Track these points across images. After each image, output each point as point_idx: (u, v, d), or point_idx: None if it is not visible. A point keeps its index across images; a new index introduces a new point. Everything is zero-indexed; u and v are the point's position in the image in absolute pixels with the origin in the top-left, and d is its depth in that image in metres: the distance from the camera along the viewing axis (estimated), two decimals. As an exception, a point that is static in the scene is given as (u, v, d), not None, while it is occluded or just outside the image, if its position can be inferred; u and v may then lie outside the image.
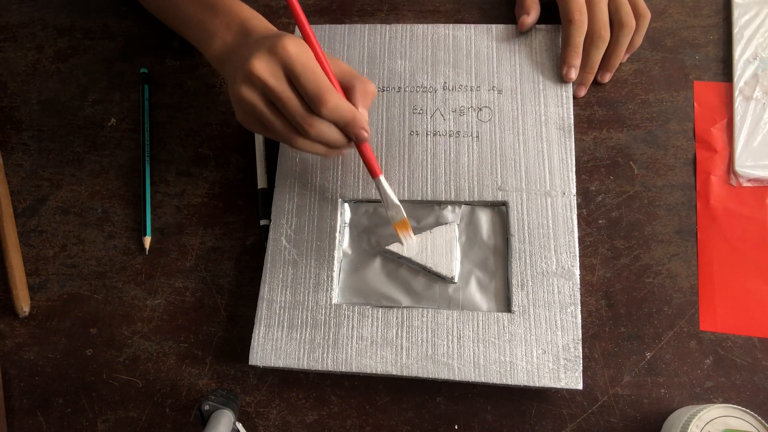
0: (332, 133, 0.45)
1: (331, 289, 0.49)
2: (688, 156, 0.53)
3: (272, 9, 0.61)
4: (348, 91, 0.45)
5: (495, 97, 0.54)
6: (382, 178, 0.48)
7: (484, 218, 0.51)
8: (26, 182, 0.58)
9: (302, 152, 0.53)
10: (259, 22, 0.48)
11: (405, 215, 0.49)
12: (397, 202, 0.48)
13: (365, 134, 0.45)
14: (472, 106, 0.54)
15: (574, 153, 0.51)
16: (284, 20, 0.61)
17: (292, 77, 0.43)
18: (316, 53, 0.44)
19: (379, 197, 0.50)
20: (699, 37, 0.56)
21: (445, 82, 0.55)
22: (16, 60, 0.62)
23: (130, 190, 0.57)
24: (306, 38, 0.44)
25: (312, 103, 0.43)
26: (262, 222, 0.53)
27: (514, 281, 0.48)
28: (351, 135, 0.45)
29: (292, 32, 0.58)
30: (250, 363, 0.48)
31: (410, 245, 0.49)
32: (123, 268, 0.54)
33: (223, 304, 0.52)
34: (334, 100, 0.42)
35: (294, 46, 0.42)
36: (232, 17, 0.49)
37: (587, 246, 0.51)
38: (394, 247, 0.50)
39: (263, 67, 0.42)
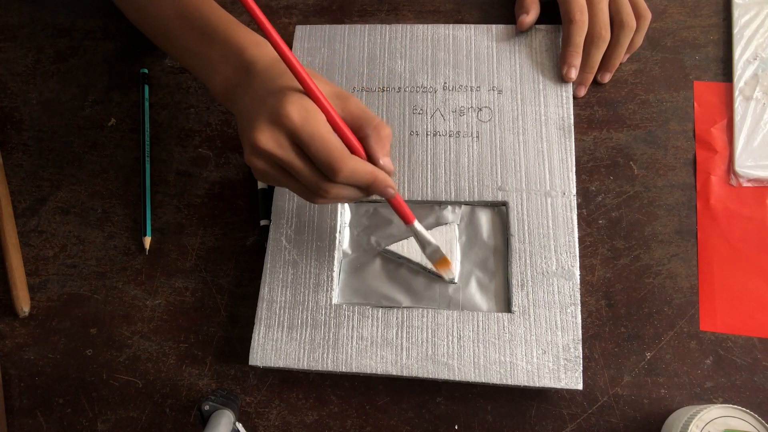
0: (351, 193, 0.42)
1: (331, 289, 0.49)
2: (688, 156, 0.53)
3: (272, 9, 0.61)
4: (362, 140, 0.42)
5: (495, 97, 0.54)
6: (416, 223, 0.46)
7: (484, 218, 0.51)
8: (26, 182, 0.58)
9: None
10: (258, 51, 0.43)
11: (443, 254, 0.47)
12: (434, 242, 0.47)
13: (391, 191, 0.42)
14: (472, 106, 0.54)
15: (574, 153, 0.51)
16: (284, 20, 0.61)
17: (301, 146, 0.39)
18: (322, 107, 0.40)
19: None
20: (699, 37, 0.56)
21: (445, 82, 0.55)
22: (16, 60, 0.62)
23: (130, 190, 0.57)
24: (309, 92, 0.39)
25: (326, 173, 0.40)
26: (262, 222, 0.53)
27: (514, 281, 0.48)
28: (376, 194, 0.43)
29: (292, 32, 0.58)
30: (250, 363, 0.48)
31: (454, 277, 0.49)
32: (123, 268, 0.54)
33: (223, 304, 0.52)
34: (349, 167, 0.39)
35: (297, 113, 0.38)
36: (229, 47, 0.44)
37: (587, 246, 0.51)
38: (394, 247, 0.50)
39: (267, 139, 0.39)
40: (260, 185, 0.54)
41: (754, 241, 0.50)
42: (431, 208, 0.52)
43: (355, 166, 0.40)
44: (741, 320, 0.48)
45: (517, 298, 0.47)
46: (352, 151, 0.41)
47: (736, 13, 0.55)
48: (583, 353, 0.46)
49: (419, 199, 0.51)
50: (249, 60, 0.43)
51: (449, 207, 0.52)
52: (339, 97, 0.42)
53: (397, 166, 0.52)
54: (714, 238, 0.50)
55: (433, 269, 0.49)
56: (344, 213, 0.52)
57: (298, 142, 0.39)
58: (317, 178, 0.40)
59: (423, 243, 0.47)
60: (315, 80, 0.40)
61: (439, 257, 0.47)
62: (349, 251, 0.52)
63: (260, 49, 0.44)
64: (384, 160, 0.42)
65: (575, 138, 0.53)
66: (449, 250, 0.49)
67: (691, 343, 0.48)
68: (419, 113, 0.54)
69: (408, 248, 0.50)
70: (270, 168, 0.41)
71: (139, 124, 0.58)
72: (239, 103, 0.43)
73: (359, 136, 0.42)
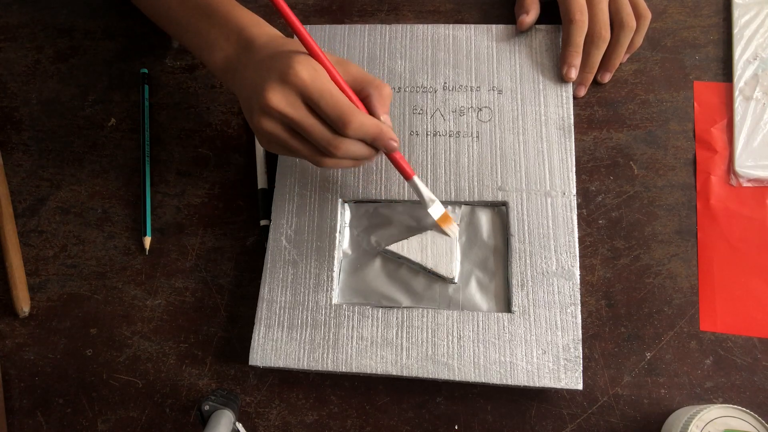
0: (359, 149, 0.44)
1: (331, 289, 0.49)
2: (688, 156, 0.53)
3: (272, 9, 0.61)
4: (365, 100, 0.44)
5: (495, 97, 0.54)
6: (416, 178, 0.48)
7: (484, 218, 0.51)
8: (26, 182, 0.58)
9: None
10: (258, 30, 0.46)
11: (444, 209, 0.49)
12: (433, 197, 0.49)
13: (394, 144, 0.44)
14: (472, 107, 0.54)
15: (574, 153, 0.51)
16: (284, 20, 0.60)
17: (310, 103, 0.41)
18: (327, 68, 0.42)
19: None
20: (699, 37, 0.56)
21: (445, 83, 0.55)
22: (16, 60, 0.62)
23: (130, 190, 0.57)
24: (313, 55, 0.42)
25: (336, 127, 0.42)
26: (262, 222, 0.53)
27: (514, 281, 0.48)
28: (380, 148, 0.44)
29: (292, 33, 0.58)
30: (250, 363, 0.48)
31: (456, 234, 0.50)
32: (123, 268, 0.54)
33: (223, 304, 0.52)
34: (358, 119, 0.41)
35: (306, 71, 0.41)
36: (230, 26, 0.46)
37: (587, 246, 0.51)
38: (394, 247, 0.50)
39: (279, 99, 0.41)
40: (260, 185, 0.54)
41: (754, 241, 0.50)
42: (431, 208, 0.52)
43: (363, 118, 0.42)
44: (741, 320, 0.48)
45: (517, 298, 0.47)
46: None
47: (736, 13, 0.55)
48: (583, 353, 0.46)
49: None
50: (249, 37, 0.45)
51: (449, 207, 0.52)
52: (340, 63, 0.44)
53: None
54: (714, 238, 0.50)
55: (433, 269, 0.49)
56: (344, 213, 0.52)
57: (308, 98, 0.41)
58: (328, 134, 0.42)
59: (424, 199, 0.48)
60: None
61: (440, 213, 0.49)
62: (349, 251, 0.52)
63: (260, 28, 0.46)
64: (384, 117, 0.44)
65: (575, 138, 0.53)
66: (449, 250, 0.49)
67: (691, 343, 0.48)
68: (419, 113, 0.54)
69: (408, 248, 0.50)
70: (280, 129, 0.43)
71: (139, 124, 0.58)
72: (240, 77, 0.45)
73: (361, 96, 0.44)
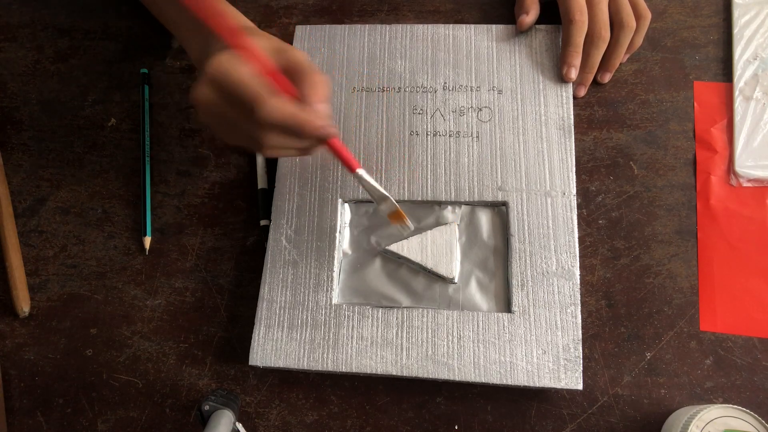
0: (285, 140, 0.42)
1: (331, 289, 0.49)
2: (688, 156, 0.53)
3: (272, 9, 0.61)
4: (297, 87, 0.42)
5: (495, 97, 0.54)
6: (360, 171, 0.45)
7: (484, 218, 0.51)
8: (26, 182, 0.58)
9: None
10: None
11: (397, 205, 0.47)
12: (384, 192, 0.46)
13: (323, 132, 0.41)
14: (472, 107, 0.54)
15: (574, 153, 0.51)
16: (284, 20, 0.61)
17: (225, 93, 0.40)
18: (252, 58, 0.41)
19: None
20: (699, 37, 0.56)
21: (445, 82, 0.55)
22: (17, 60, 0.62)
23: (130, 190, 0.57)
24: (235, 46, 0.41)
25: (249, 114, 0.40)
26: (262, 222, 0.53)
27: (514, 281, 0.48)
28: (312, 137, 0.41)
29: (292, 33, 0.58)
30: (250, 363, 0.48)
31: (410, 234, 0.49)
32: (123, 268, 0.54)
33: (223, 304, 0.52)
34: (269, 104, 0.39)
35: (219, 63, 0.40)
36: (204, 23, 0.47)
37: (587, 246, 0.51)
38: (394, 247, 0.50)
39: (200, 92, 0.41)
40: (260, 185, 0.54)
41: (754, 241, 0.50)
42: (431, 208, 0.52)
43: (276, 103, 0.39)
44: (741, 320, 0.48)
45: (517, 298, 0.47)
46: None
47: (736, 13, 0.55)
48: (583, 353, 0.46)
49: (419, 199, 0.51)
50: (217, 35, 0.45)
51: (449, 207, 0.52)
52: (279, 51, 0.43)
53: (397, 166, 0.52)
54: (714, 238, 0.50)
55: (433, 269, 0.49)
56: (344, 213, 0.52)
57: (221, 89, 0.40)
58: (248, 123, 0.40)
59: (372, 193, 0.46)
60: (257, 37, 0.43)
61: (391, 210, 0.47)
62: (349, 251, 0.52)
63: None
64: (318, 105, 0.41)
65: (575, 138, 0.53)
66: (449, 250, 0.49)
67: (691, 343, 0.48)
68: (419, 113, 0.54)
69: (408, 248, 0.50)
70: (213, 120, 0.43)
71: (139, 124, 0.58)
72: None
73: (296, 83, 0.42)
